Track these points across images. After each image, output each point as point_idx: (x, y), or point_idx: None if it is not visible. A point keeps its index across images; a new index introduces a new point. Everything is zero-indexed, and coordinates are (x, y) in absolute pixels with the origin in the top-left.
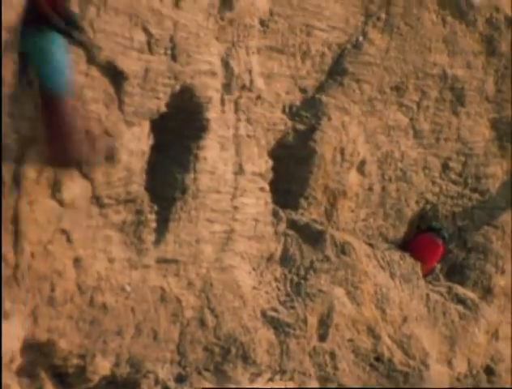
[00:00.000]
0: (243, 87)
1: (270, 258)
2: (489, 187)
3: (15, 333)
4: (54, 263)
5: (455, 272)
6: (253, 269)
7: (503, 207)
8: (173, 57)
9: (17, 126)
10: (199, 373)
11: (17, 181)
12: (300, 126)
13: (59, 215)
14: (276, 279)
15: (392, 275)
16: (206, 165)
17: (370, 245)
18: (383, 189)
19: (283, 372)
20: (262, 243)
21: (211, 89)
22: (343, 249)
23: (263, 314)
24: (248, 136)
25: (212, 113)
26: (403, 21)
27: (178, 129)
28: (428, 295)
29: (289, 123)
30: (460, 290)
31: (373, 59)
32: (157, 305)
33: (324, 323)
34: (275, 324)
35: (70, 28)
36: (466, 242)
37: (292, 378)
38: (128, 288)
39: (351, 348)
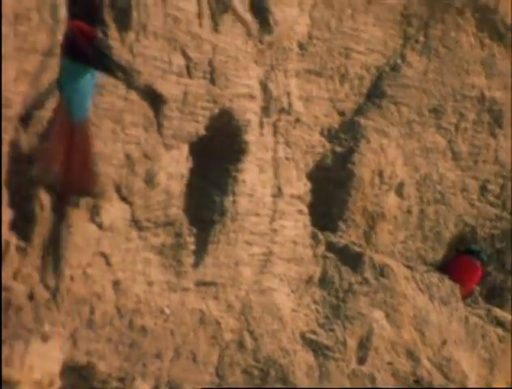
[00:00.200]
0: (282, 110)
1: (308, 281)
2: None
3: (54, 356)
4: (93, 286)
5: (494, 295)
6: (292, 291)
7: None
8: (212, 81)
9: None
10: None
11: (56, 204)
12: (339, 149)
13: (98, 239)
14: (315, 302)
15: (431, 298)
16: (244, 188)
17: (409, 267)
18: (421, 211)
19: None
20: (301, 266)
21: (249, 112)
22: (381, 271)
23: (302, 336)
24: (286, 159)
25: (251, 136)
26: (441, 44)
27: (217, 152)
28: (467, 318)
29: (328, 146)
30: (499, 313)
31: (412, 82)
32: (196, 328)
33: (363, 346)
34: (314, 347)
35: (107, 62)
36: (504, 264)
37: None
38: (167, 311)
39: (390, 371)
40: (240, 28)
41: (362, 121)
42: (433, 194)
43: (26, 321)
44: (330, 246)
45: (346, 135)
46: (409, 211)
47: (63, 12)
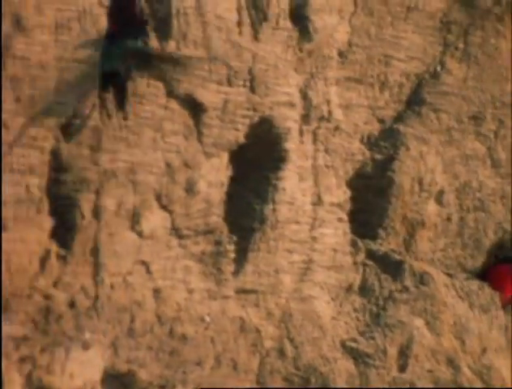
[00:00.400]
0: (321, 117)
1: (349, 289)
2: None
3: (95, 364)
4: (134, 294)
5: None
6: (332, 299)
7: None
8: (252, 89)
9: (96, 159)
10: None
11: (97, 213)
12: (379, 156)
13: (138, 247)
14: (355, 310)
15: (471, 306)
16: (284, 196)
17: (449, 275)
18: (461, 219)
19: None
20: (341, 273)
21: (289, 120)
22: (421, 279)
23: (343, 344)
24: (326, 166)
25: (291, 144)
26: (481, 50)
27: (257, 160)
28: (506, 325)
29: (367, 153)
30: None
31: (451, 89)
32: (237, 336)
33: (404, 354)
34: (355, 354)
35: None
36: None
37: None
38: (207, 319)
39: (430, 379)
40: (280, 37)
41: (402, 128)
42: (472, 202)
43: (66, 329)
44: (370, 254)
45: (385, 143)
46: (449, 219)
47: (104, 22)
